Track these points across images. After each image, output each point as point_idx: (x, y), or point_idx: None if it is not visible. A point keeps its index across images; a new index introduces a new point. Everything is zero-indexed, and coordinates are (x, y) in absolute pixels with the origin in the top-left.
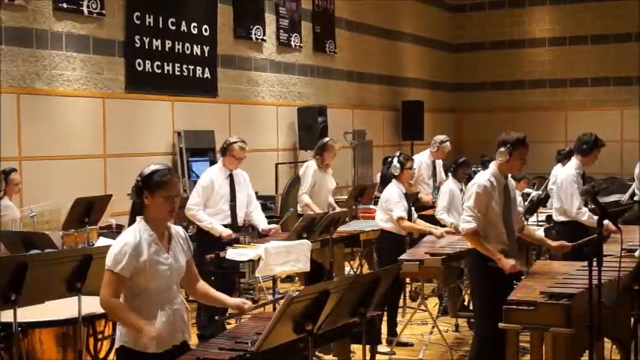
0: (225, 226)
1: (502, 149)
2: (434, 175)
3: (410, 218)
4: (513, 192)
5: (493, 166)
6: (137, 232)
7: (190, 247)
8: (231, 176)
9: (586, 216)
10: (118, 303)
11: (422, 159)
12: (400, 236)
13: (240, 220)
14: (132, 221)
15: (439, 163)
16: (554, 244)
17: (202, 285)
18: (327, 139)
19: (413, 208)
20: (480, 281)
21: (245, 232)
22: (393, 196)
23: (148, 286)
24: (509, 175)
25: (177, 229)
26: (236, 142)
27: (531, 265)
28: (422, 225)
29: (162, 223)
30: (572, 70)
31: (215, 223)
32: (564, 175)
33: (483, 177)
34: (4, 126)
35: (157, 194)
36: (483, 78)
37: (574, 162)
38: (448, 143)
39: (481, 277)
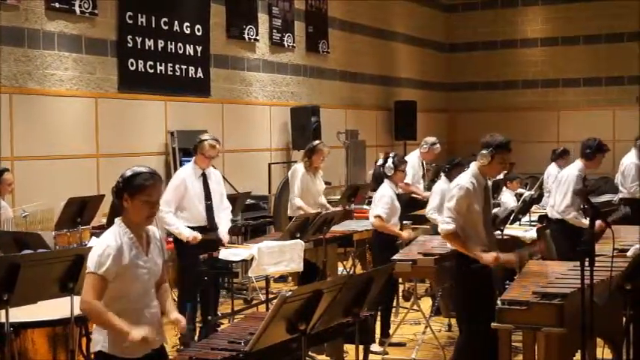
0: (202, 227)
1: (484, 152)
2: (424, 175)
3: (402, 219)
4: (490, 192)
5: (474, 166)
6: (117, 235)
7: (164, 248)
8: (204, 175)
9: (571, 215)
10: (101, 306)
11: (412, 159)
12: (393, 235)
13: (217, 220)
14: (110, 221)
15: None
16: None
17: (164, 288)
18: (317, 142)
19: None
20: (464, 282)
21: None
22: (383, 195)
23: (127, 290)
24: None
25: (153, 230)
26: (206, 140)
27: (524, 266)
28: (392, 227)
29: (140, 225)
30: (565, 70)
31: (182, 227)
32: (567, 173)
33: (465, 178)
34: None
35: (137, 198)
36: (476, 78)
37: (578, 164)
38: (438, 145)
39: (465, 278)
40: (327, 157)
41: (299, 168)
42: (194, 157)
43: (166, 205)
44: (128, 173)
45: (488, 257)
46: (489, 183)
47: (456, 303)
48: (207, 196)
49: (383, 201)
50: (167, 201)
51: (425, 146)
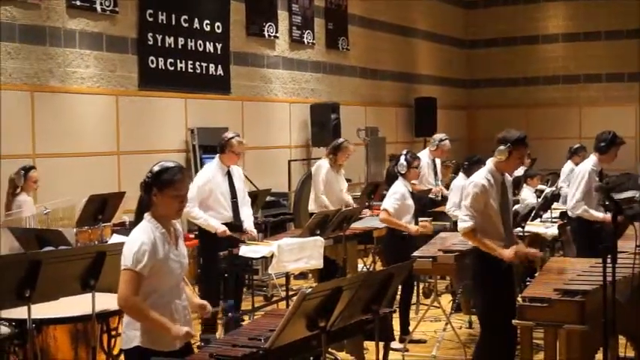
0: (229, 223)
1: (502, 147)
2: (435, 173)
3: (416, 217)
4: (510, 188)
5: (490, 163)
6: (149, 230)
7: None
8: (229, 173)
9: (581, 210)
10: (141, 302)
11: (423, 158)
12: (404, 233)
13: (242, 217)
14: (138, 217)
15: (438, 161)
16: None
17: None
18: (341, 139)
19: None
20: (485, 279)
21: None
22: (395, 192)
23: (160, 285)
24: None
25: (178, 225)
26: (234, 137)
27: (545, 262)
28: (397, 221)
29: (169, 219)
30: (586, 66)
31: (210, 219)
32: (581, 168)
33: (480, 175)
34: (18, 123)
35: (167, 192)
36: (496, 74)
37: (592, 159)
38: (447, 142)
39: (486, 274)
40: (351, 155)
41: (323, 165)
42: (219, 155)
43: (190, 200)
44: (157, 168)
45: (508, 253)
46: (509, 179)
47: (477, 300)
48: (233, 194)
49: (393, 197)
50: (191, 197)
51: (434, 143)
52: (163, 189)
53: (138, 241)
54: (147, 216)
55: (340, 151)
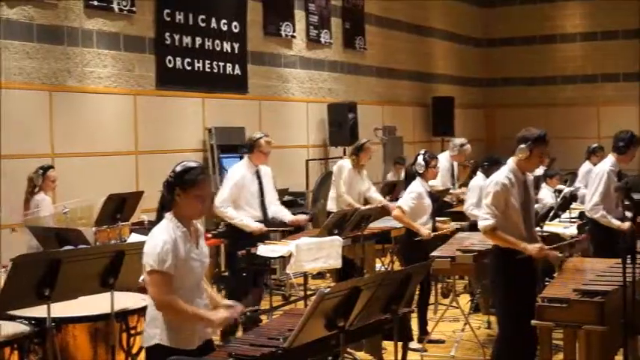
0: (257, 222)
1: (522, 146)
2: (452, 176)
3: (434, 216)
4: (531, 188)
5: (511, 162)
6: (170, 230)
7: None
8: (257, 172)
9: (599, 214)
10: (177, 300)
11: (441, 160)
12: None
13: (270, 216)
14: (159, 216)
15: (455, 164)
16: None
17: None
18: (364, 140)
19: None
20: (504, 279)
21: (272, 227)
22: (412, 191)
23: (182, 283)
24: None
25: (198, 225)
26: (262, 137)
27: (564, 263)
28: (410, 222)
29: (191, 219)
30: (604, 65)
31: (246, 219)
32: (598, 169)
33: (501, 174)
34: (36, 123)
35: (189, 192)
36: (514, 74)
37: (610, 159)
38: (468, 146)
39: (505, 275)
40: (372, 155)
41: (345, 165)
42: (248, 155)
43: (224, 201)
44: (180, 168)
45: (532, 249)
46: (530, 178)
47: (497, 299)
48: (262, 193)
49: (409, 196)
50: (224, 198)
51: (455, 149)
52: (186, 189)
53: (160, 241)
54: (168, 215)
55: (362, 152)
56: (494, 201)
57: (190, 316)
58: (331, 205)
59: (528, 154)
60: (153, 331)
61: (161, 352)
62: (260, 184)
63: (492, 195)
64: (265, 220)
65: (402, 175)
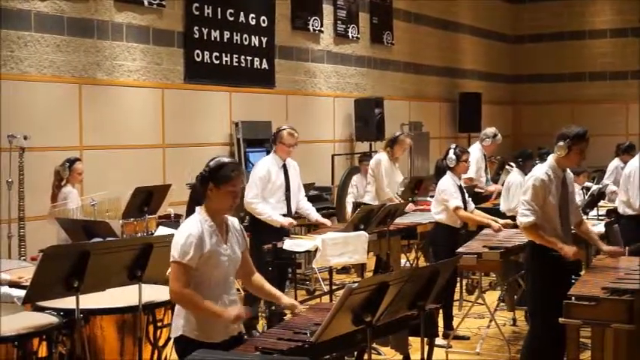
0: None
1: (561, 143)
2: (486, 168)
3: (466, 210)
4: (571, 185)
5: (551, 159)
6: (198, 223)
7: (245, 239)
8: (284, 166)
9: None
10: (192, 293)
11: (474, 153)
12: (454, 228)
13: (293, 210)
14: (190, 210)
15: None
16: (606, 248)
17: (258, 278)
18: (399, 132)
19: (470, 199)
20: (538, 276)
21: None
22: (448, 187)
23: (208, 277)
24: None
25: (232, 220)
26: (284, 129)
27: (592, 260)
28: (480, 216)
29: (222, 214)
30: (634, 62)
31: (274, 214)
32: (633, 167)
33: (541, 170)
34: (65, 116)
35: (222, 188)
36: (542, 70)
37: None
38: (500, 136)
39: (538, 271)
40: (407, 148)
41: (382, 158)
42: (274, 148)
43: (254, 196)
44: (214, 164)
45: (569, 250)
46: (570, 175)
47: (529, 295)
48: (287, 187)
49: (450, 191)
50: (255, 192)
51: (487, 139)
52: (219, 184)
53: (185, 234)
54: (199, 209)
55: (397, 144)
56: (533, 197)
57: (203, 311)
58: (369, 199)
59: (567, 151)
60: (178, 322)
61: (185, 343)
62: (286, 178)
63: (531, 191)
64: (290, 214)
65: (369, 174)
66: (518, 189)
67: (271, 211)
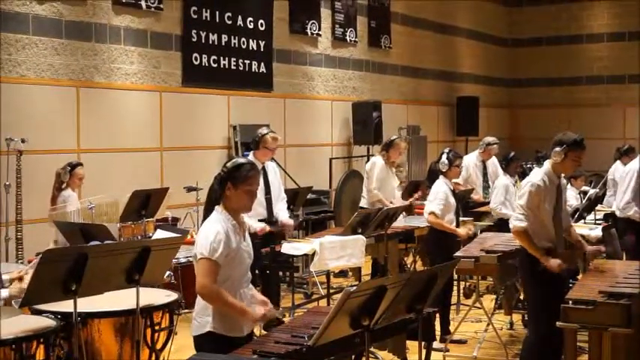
0: (262, 220)
1: (557, 149)
2: (484, 174)
3: (457, 215)
4: (565, 191)
5: (547, 164)
6: (222, 222)
7: None
8: (264, 169)
9: (632, 211)
10: (219, 289)
11: (471, 160)
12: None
13: (275, 213)
14: (208, 209)
15: (492, 162)
16: (590, 248)
17: None
18: (394, 136)
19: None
20: (531, 280)
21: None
22: (438, 191)
23: (232, 273)
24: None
25: (244, 218)
26: (268, 134)
27: (589, 264)
28: (447, 225)
29: (240, 212)
30: (631, 66)
31: (249, 220)
32: (628, 168)
33: (537, 176)
34: (63, 119)
35: (240, 187)
36: (539, 74)
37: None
38: (496, 146)
39: (532, 276)
40: (403, 151)
41: (378, 161)
42: (253, 152)
43: None
44: (231, 165)
45: (553, 264)
46: (564, 182)
47: (527, 299)
48: (267, 190)
49: (438, 197)
50: None
51: (482, 146)
52: (237, 184)
53: (214, 231)
54: (218, 208)
55: (392, 148)
56: (528, 202)
57: (230, 307)
58: (363, 202)
59: (563, 158)
60: (204, 319)
61: (214, 339)
62: (266, 181)
63: (527, 196)
64: (271, 218)
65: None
66: (501, 190)
67: (246, 217)
